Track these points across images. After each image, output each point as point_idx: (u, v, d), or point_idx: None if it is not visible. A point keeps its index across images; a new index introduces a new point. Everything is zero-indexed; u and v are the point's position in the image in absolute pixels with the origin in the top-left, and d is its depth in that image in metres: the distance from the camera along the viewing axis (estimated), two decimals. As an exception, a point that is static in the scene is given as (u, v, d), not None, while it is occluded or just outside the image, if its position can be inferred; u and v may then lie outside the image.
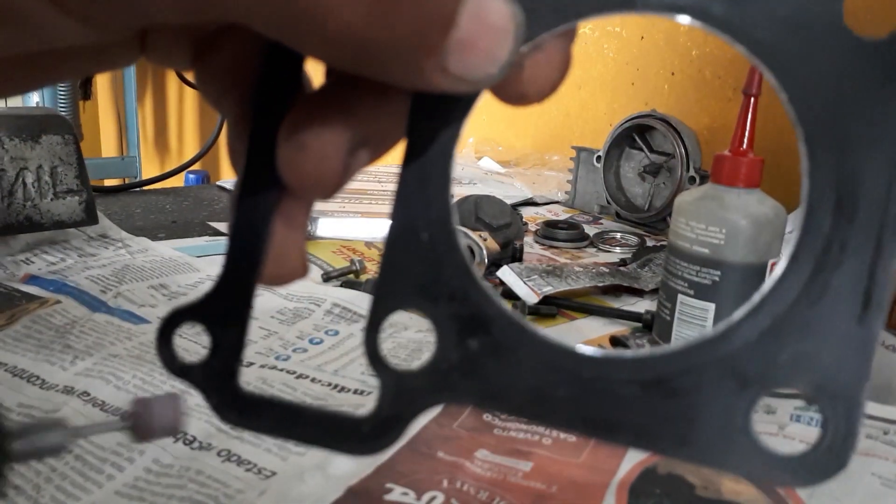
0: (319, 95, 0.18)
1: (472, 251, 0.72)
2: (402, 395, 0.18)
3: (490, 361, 0.18)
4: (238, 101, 0.19)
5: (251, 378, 0.47)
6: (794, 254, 0.16)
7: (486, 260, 0.71)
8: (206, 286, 0.65)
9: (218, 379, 0.19)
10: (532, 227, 0.94)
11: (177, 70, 0.20)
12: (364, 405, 0.44)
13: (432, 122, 0.17)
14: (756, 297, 0.16)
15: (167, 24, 0.15)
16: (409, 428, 0.18)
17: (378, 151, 0.18)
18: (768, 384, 0.16)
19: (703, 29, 0.16)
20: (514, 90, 0.17)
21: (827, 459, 0.16)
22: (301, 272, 0.19)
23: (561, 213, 1.06)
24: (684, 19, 0.16)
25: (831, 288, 0.16)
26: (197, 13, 0.14)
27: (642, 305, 0.68)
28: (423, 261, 0.18)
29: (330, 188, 0.17)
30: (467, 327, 0.18)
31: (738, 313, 0.16)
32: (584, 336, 0.59)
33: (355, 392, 0.46)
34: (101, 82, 2.84)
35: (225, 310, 0.19)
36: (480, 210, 0.80)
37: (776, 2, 0.15)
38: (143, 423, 0.32)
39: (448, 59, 0.14)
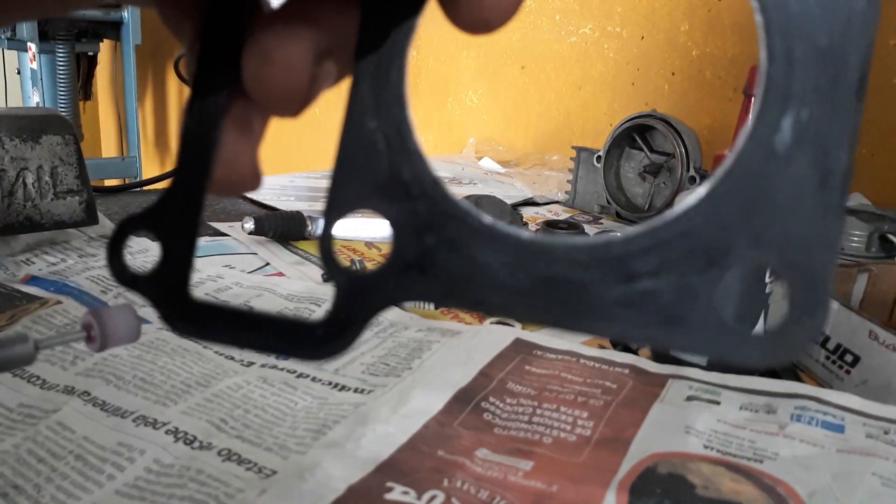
0: (282, 8, 0.18)
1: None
2: (358, 296, 0.18)
3: (448, 257, 0.17)
4: (193, 28, 0.18)
5: (252, 377, 0.47)
6: (753, 127, 0.15)
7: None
8: (207, 285, 0.64)
9: (168, 288, 0.19)
10: (532, 226, 0.94)
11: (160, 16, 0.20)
12: (364, 403, 0.44)
13: (385, 17, 0.17)
14: (719, 172, 0.16)
15: None
16: (363, 331, 0.18)
17: (344, 64, 0.18)
18: (733, 260, 0.16)
19: None
20: (475, 15, 0.16)
21: (795, 334, 0.15)
22: (253, 181, 0.19)
23: (561, 213, 1.06)
24: None
25: (793, 155, 0.15)
26: None
27: (642, 305, 0.68)
28: (379, 160, 0.18)
29: (298, 101, 0.17)
30: (424, 224, 0.18)
31: (701, 190, 0.16)
32: (584, 338, 0.59)
33: (356, 391, 0.46)
34: (101, 82, 2.84)
35: (174, 218, 0.19)
36: (481, 210, 0.80)
37: None
38: (98, 332, 0.32)
39: None
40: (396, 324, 0.57)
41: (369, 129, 0.18)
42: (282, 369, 0.49)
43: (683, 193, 0.55)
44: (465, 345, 0.52)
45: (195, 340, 0.52)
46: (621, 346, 0.58)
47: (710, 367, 0.51)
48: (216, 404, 0.44)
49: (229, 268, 0.70)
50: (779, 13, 0.15)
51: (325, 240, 0.18)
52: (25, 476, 0.36)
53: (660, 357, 0.54)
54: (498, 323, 0.58)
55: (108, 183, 1.36)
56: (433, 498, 0.36)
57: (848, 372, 0.51)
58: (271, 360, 0.51)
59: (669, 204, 0.93)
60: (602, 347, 0.56)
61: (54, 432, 0.40)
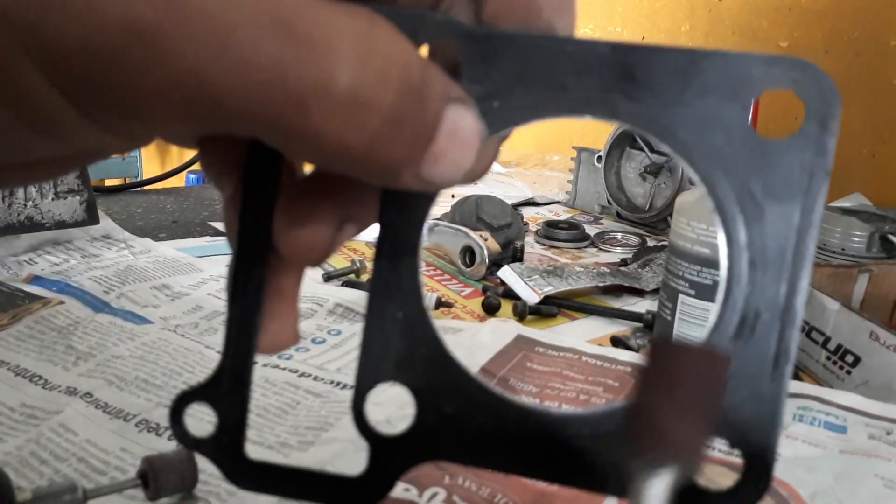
0: (311, 179, 0.20)
1: (472, 251, 0.72)
2: (389, 457, 0.21)
3: (464, 423, 0.20)
4: (234, 182, 0.20)
5: (254, 377, 0.47)
6: (715, 323, 0.19)
7: (487, 260, 0.71)
8: (209, 285, 0.64)
9: (227, 450, 0.21)
10: (533, 227, 0.94)
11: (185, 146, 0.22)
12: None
13: (400, 210, 0.20)
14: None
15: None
16: (395, 484, 0.21)
17: (362, 225, 0.20)
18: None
19: (633, 131, 0.18)
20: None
21: (748, 495, 0.19)
22: (294, 340, 0.21)
23: (562, 213, 1.06)
24: (614, 121, 0.19)
25: (748, 351, 0.18)
26: (211, 130, 0.16)
27: (643, 305, 0.68)
28: (399, 336, 0.20)
29: (320, 257, 0.20)
30: (443, 394, 0.20)
31: None
32: (586, 336, 0.59)
33: (357, 392, 0.47)
34: (102, 82, 2.83)
35: (227, 388, 0.21)
36: (481, 210, 0.80)
37: (694, 106, 0.18)
38: (153, 482, 0.33)
39: (422, 167, 0.16)
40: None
41: (391, 308, 0.20)
42: (284, 369, 0.49)
43: (684, 194, 0.55)
44: (467, 342, 0.52)
45: (197, 339, 0.52)
46: (622, 346, 0.58)
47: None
48: (218, 404, 0.44)
49: (231, 268, 0.70)
50: (743, 243, 0.18)
51: (358, 410, 0.21)
52: (28, 478, 0.36)
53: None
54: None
55: (109, 182, 1.36)
56: (434, 495, 0.36)
57: (849, 372, 0.51)
58: (273, 359, 0.51)
59: (670, 204, 0.93)
60: (602, 346, 0.56)
61: (57, 434, 0.40)
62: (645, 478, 0.14)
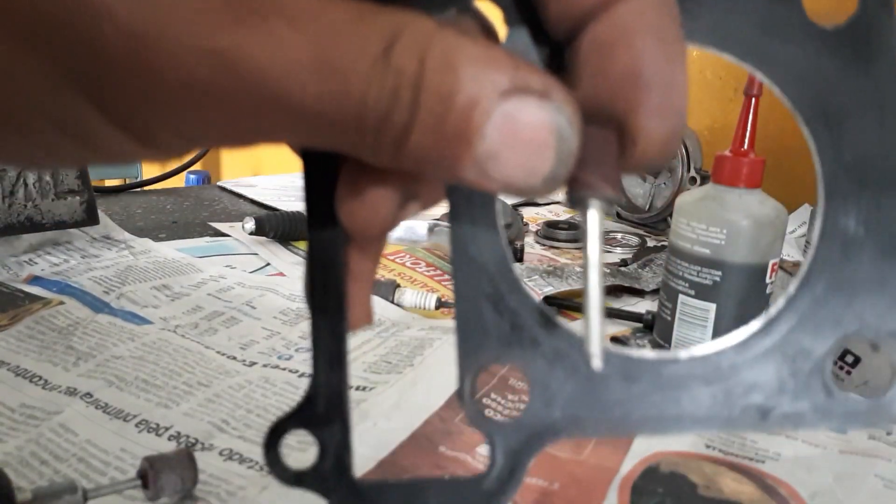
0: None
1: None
2: (511, 446, 0.19)
3: (582, 389, 0.18)
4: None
5: (254, 377, 0.47)
6: (823, 229, 0.18)
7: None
8: (209, 285, 0.63)
9: (333, 478, 0.19)
10: (533, 227, 0.94)
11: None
12: (366, 400, 0.44)
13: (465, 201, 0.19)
14: (802, 271, 0.18)
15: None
16: (525, 473, 0.19)
17: (426, 204, 0.19)
18: (837, 344, 0.18)
19: (701, 47, 0.18)
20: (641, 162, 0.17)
21: None
22: (370, 320, 0.20)
23: (562, 214, 1.06)
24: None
25: (865, 246, 0.17)
26: (251, 142, 0.15)
27: (643, 306, 0.68)
28: (495, 312, 0.18)
29: (381, 231, 0.19)
30: (554, 364, 0.18)
31: (791, 287, 0.18)
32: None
33: (357, 388, 0.46)
34: (102, 83, 2.83)
35: (323, 409, 0.19)
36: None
37: (748, 11, 0.18)
38: (153, 482, 0.34)
39: (486, 165, 0.14)
40: (398, 323, 0.58)
41: (478, 283, 0.18)
42: (284, 369, 0.49)
43: (684, 194, 0.55)
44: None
45: (197, 340, 0.52)
46: (622, 345, 0.58)
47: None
48: (218, 405, 0.44)
49: (230, 268, 0.70)
50: (829, 140, 0.18)
51: (469, 401, 0.19)
52: (28, 477, 0.36)
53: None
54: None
55: (109, 183, 1.36)
56: (435, 498, 0.36)
57: (849, 373, 0.51)
58: (273, 359, 0.51)
59: (670, 204, 0.93)
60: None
61: (57, 434, 0.40)
62: (585, 207, 0.16)
